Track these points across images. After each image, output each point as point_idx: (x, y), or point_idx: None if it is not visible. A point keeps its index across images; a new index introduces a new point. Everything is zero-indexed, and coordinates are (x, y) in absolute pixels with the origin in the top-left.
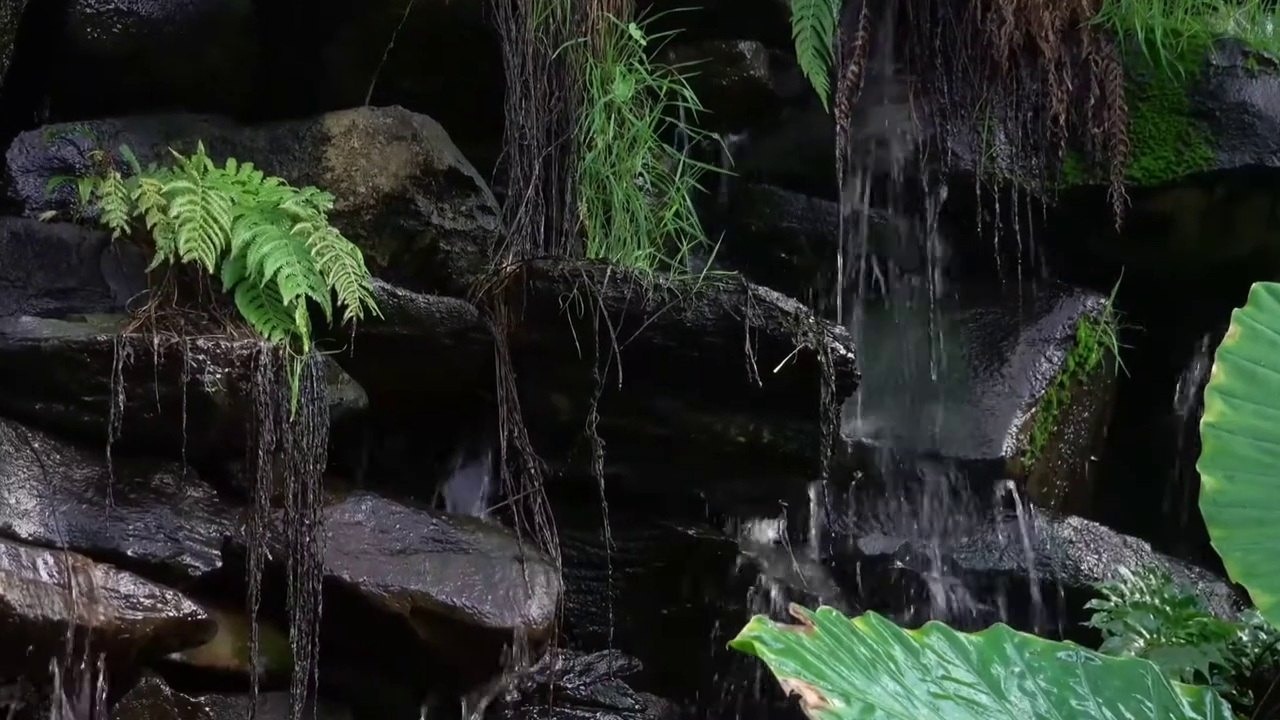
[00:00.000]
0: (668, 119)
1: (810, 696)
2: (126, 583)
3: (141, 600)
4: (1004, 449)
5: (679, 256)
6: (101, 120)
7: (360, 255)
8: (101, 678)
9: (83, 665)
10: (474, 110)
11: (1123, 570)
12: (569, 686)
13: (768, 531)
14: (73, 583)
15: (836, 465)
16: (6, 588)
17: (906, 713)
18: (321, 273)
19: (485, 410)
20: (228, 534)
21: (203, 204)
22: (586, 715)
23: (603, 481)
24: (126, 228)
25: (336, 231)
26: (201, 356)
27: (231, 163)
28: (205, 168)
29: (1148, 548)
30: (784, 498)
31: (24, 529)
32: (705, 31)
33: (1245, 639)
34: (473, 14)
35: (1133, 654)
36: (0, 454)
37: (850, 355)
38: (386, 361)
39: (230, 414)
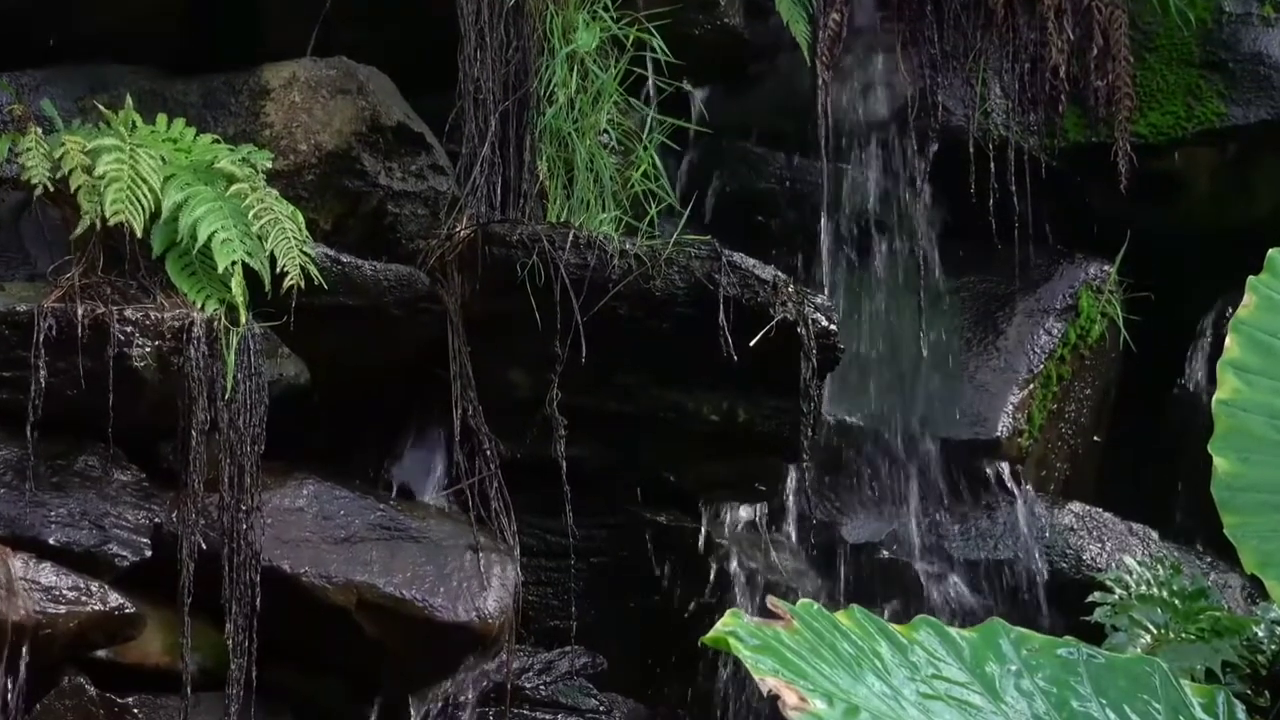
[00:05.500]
0: (635, 71)
1: (790, 697)
2: (48, 573)
3: (64, 593)
4: (999, 428)
5: (647, 220)
6: (21, 72)
7: (301, 218)
8: (21, 676)
9: (0, 663)
10: (425, 62)
11: (1128, 560)
12: (528, 686)
13: (743, 518)
14: None
15: (818, 446)
16: None
17: (894, 714)
18: (259, 237)
19: (437, 387)
20: (158, 521)
21: (130, 163)
22: (547, 717)
23: (564, 463)
24: (49, 187)
25: (276, 193)
26: (129, 328)
27: (162, 118)
28: (133, 124)
29: (1155, 535)
30: (761, 481)
31: None
32: None
33: (1261, 634)
34: None
35: (1139, 651)
36: None
37: (833, 327)
38: (330, 334)
39: (160, 390)
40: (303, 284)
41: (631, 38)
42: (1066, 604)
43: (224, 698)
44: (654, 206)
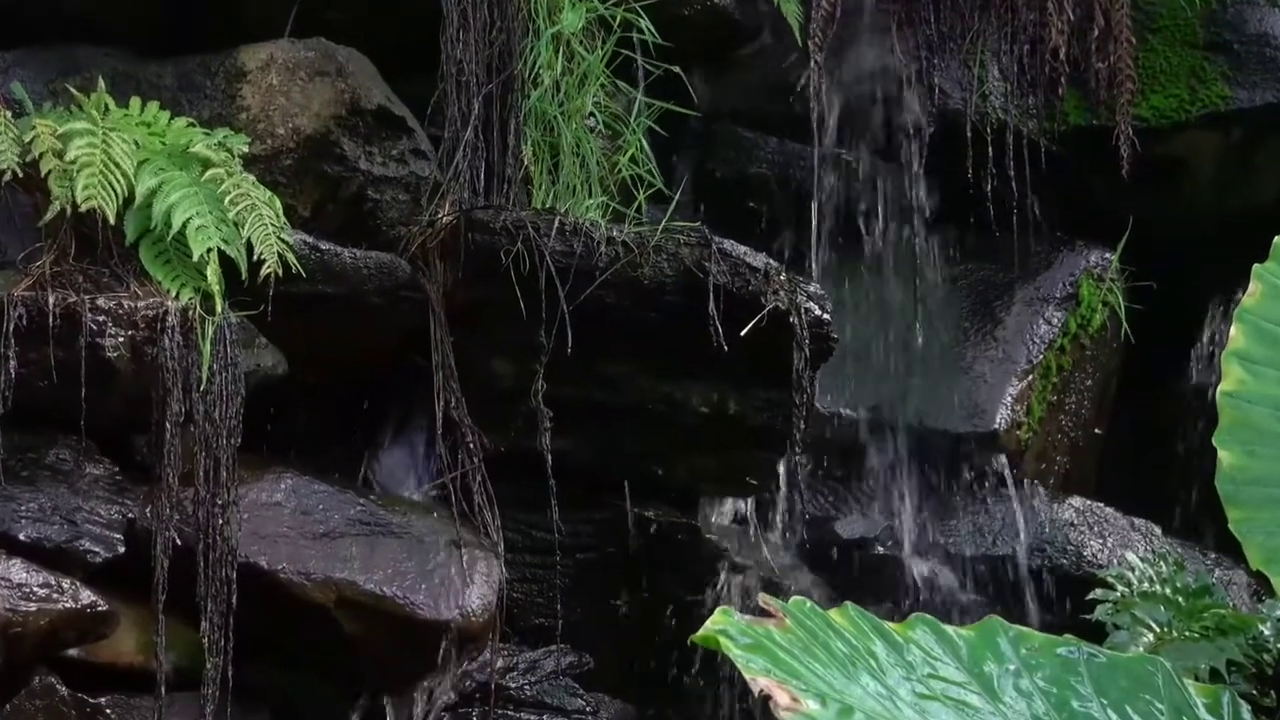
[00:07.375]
0: (623, 52)
1: (782, 697)
2: (18, 570)
3: (35, 590)
4: (997, 420)
5: (635, 206)
6: None
7: (279, 204)
8: None
9: None
10: (406, 43)
11: (1130, 556)
12: (512, 686)
13: (734, 512)
14: None
15: (811, 439)
16: None
17: (889, 714)
18: (236, 224)
19: (419, 377)
20: (131, 516)
21: (103, 147)
22: (532, 717)
23: (550, 457)
24: (19, 171)
25: (253, 178)
26: (102, 318)
27: (135, 101)
28: (106, 107)
29: (1158, 531)
30: (752, 475)
31: None
32: None
33: (1267, 633)
34: None
35: (1141, 650)
36: None
37: (826, 316)
38: (309, 323)
39: (134, 382)
40: (280, 272)
41: (619, 18)
42: (1066, 601)
43: (199, 698)
44: (642, 192)
